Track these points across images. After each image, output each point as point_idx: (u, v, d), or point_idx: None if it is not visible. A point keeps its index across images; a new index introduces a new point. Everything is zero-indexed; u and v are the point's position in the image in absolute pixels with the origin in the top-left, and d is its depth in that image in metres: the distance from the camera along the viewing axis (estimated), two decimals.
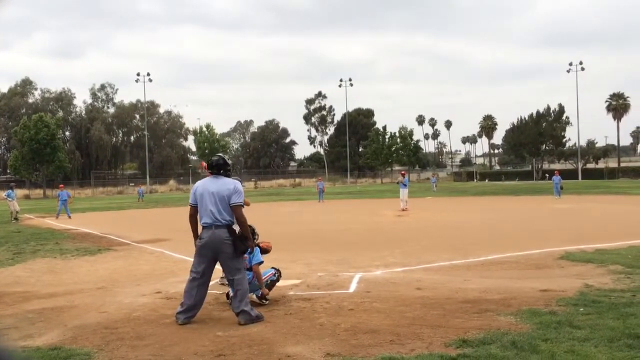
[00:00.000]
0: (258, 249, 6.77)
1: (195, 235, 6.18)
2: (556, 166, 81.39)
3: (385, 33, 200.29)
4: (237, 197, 6.00)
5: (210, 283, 6.51)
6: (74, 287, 8.30)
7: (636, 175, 69.61)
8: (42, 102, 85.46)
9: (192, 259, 6.24)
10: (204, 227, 6.05)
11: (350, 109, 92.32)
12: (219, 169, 6.18)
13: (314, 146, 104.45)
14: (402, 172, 28.16)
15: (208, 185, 6.09)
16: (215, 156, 6.35)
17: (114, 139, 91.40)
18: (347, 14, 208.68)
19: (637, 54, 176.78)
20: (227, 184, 6.05)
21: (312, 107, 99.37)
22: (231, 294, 6.47)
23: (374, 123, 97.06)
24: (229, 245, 5.93)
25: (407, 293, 7.05)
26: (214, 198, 5.97)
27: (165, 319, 6.03)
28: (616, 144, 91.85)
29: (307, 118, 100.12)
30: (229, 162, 6.36)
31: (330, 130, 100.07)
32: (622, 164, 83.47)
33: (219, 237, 5.93)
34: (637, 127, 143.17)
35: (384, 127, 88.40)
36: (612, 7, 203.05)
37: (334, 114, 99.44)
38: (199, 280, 6.05)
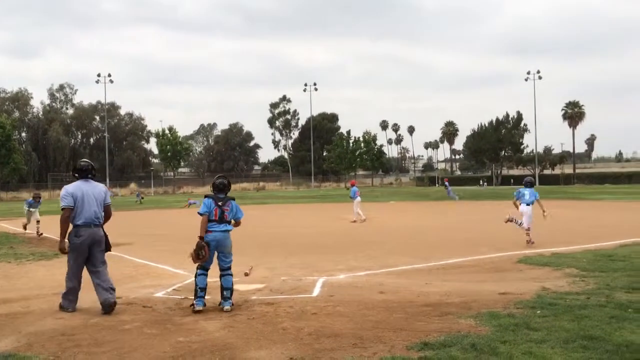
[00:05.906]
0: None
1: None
2: (514, 172, 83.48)
3: (352, 39, 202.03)
4: (108, 197, 6.89)
5: (169, 290, 6.33)
6: (30, 292, 8.03)
7: (590, 181, 72.02)
8: None
9: (153, 264, 6.17)
10: (83, 226, 6.54)
11: (315, 114, 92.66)
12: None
13: (278, 150, 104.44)
14: (352, 182, 23.70)
15: (84, 188, 6.76)
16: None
17: (73, 140, 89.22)
18: (315, 19, 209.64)
19: (591, 64, 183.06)
20: (100, 187, 6.87)
21: (276, 111, 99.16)
22: (196, 306, 6.37)
23: (338, 128, 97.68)
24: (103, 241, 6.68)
25: (370, 297, 7.09)
26: (94, 199, 6.66)
27: (125, 325, 5.89)
28: (572, 150, 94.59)
29: (271, 122, 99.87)
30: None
31: (295, 134, 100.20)
32: (577, 170, 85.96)
33: (97, 234, 6.61)
34: (592, 135, 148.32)
35: (348, 132, 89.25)
36: (568, 17, 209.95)
37: (298, 118, 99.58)
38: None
